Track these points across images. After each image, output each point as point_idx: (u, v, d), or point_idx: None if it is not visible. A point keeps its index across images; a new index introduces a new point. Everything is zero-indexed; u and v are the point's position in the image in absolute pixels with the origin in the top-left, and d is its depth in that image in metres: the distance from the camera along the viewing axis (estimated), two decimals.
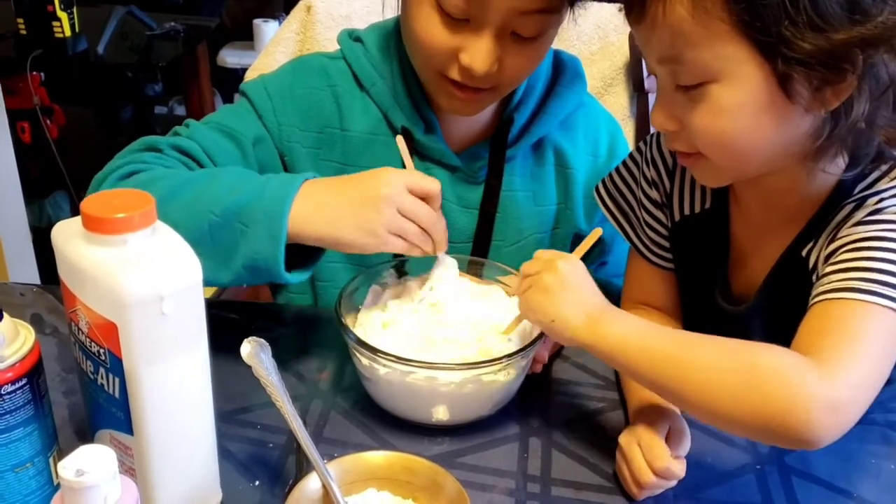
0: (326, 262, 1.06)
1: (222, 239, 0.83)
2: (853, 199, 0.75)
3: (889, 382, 0.90)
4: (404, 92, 1.01)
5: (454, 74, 0.91)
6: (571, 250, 1.11)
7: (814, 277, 0.77)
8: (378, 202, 0.82)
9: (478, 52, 0.87)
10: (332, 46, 1.11)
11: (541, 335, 0.83)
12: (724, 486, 0.79)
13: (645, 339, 0.73)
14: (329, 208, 0.83)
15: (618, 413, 0.88)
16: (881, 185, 0.75)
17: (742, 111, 0.71)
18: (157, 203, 0.64)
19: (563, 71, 1.06)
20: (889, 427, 0.88)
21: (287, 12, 1.86)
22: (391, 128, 1.03)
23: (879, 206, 0.74)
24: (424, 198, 0.85)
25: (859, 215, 0.74)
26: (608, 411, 0.89)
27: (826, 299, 0.71)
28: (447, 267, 0.92)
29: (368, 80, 1.02)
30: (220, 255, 0.83)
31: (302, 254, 0.86)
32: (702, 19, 0.69)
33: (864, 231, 0.73)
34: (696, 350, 0.71)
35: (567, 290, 0.77)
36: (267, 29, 2.97)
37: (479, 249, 1.05)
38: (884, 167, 0.75)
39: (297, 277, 0.85)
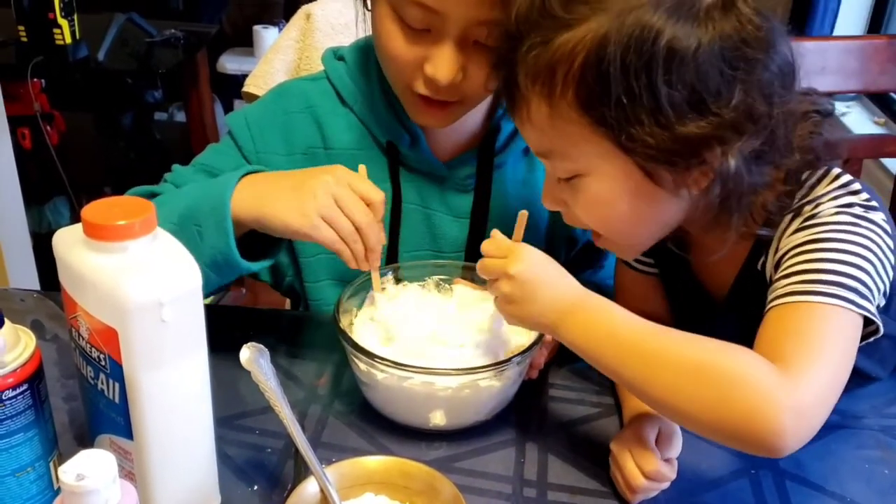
0: (314, 283, 1.07)
1: (185, 245, 0.84)
2: (793, 209, 0.77)
3: (881, 384, 0.91)
4: (385, 106, 1.02)
5: (420, 87, 0.91)
6: (567, 256, 1.13)
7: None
8: (316, 187, 0.82)
9: (440, 62, 0.88)
10: None
11: (535, 342, 0.84)
12: (718, 490, 0.80)
13: (613, 331, 0.72)
14: (267, 191, 0.85)
15: (613, 418, 0.89)
16: (818, 191, 0.77)
17: (614, 199, 0.76)
18: None
19: None
20: (882, 432, 0.88)
21: (287, 19, 1.86)
22: (376, 142, 1.04)
23: (815, 211, 0.76)
24: (367, 204, 0.84)
25: (797, 223, 0.76)
26: (604, 416, 0.89)
27: (778, 304, 0.72)
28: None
29: (350, 98, 1.04)
30: None
31: (269, 246, 0.90)
32: (560, 122, 0.73)
33: (802, 236, 0.75)
34: (664, 345, 0.70)
35: (529, 299, 0.76)
36: (267, 35, 2.97)
37: (472, 259, 1.05)
38: (819, 172, 0.78)
39: (259, 265, 0.88)
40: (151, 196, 0.98)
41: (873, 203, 0.76)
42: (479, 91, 0.94)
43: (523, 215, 0.82)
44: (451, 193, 1.05)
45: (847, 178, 0.77)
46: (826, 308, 0.70)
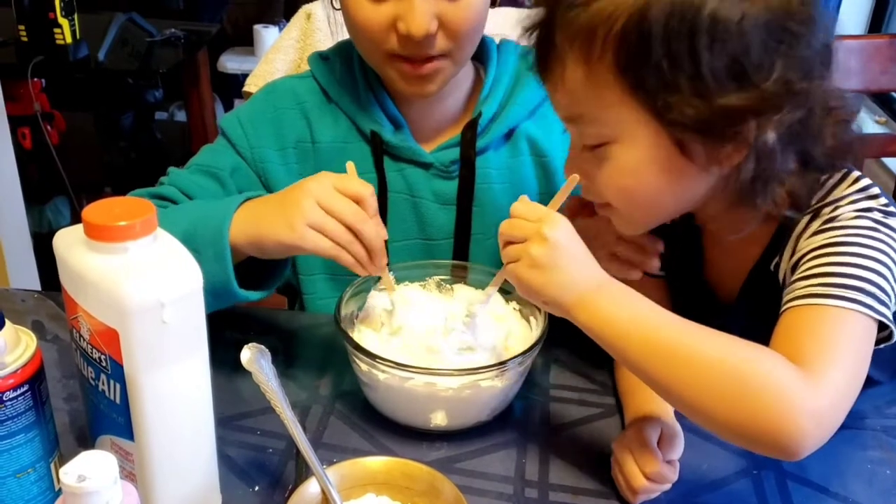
0: (307, 276, 1.08)
1: None
2: (811, 210, 0.76)
3: (881, 386, 0.91)
4: (368, 95, 1.03)
5: (398, 48, 0.92)
6: None
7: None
8: (300, 197, 0.82)
9: (410, 16, 0.89)
10: None
11: (536, 342, 0.84)
12: (720, 491, 0.80)
13: (637, 323, 0.70)
14: (259, 213, 0.86)
15: (615, 418, 0.88)
16: (836, 194, 0.76)
17: (642, 170, 0.74)
18: None
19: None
20: (884, 432, 0.88)
21: (288, 18, 1.86)
22: (361, 134, 1.05)
23: (834, 214, 0.75)
24: (356, 201, 0.82)
25: (815, 225, 0.75)
26: (606, 417, 0.89)
27: (795, 306, 0.71)
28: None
29: (335, 93, 1.05)
30: None
31: (267, 271, 0.89)
32: (595, 86, 0.72)
33: (821, 239, 0.74)
34: (689, 340, 0.68)
35: (558, 268, 0.73)
36: (267, 35, 2.97)
37: (460, 244, 1.07)
38: (838, 175, 0.77)
39: (256, 295, 0.88)
40: (154, 199, 0.99)
41: (892, 208, 0.75)
42: (460, 37, 0.93)
43: (573, 179, 0.79)
44: (437, 180, 1.06)
45: (866, 181, 0.76)
46: (844, 312, 0.69)
